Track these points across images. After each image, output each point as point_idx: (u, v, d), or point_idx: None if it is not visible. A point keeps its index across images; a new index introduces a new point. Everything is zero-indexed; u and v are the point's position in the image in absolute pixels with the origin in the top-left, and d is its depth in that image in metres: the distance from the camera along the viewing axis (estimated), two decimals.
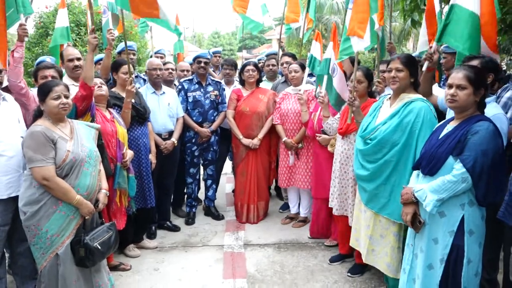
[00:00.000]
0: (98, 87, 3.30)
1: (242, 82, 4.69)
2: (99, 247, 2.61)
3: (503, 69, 3.44)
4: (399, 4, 5.67)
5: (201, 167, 4.94)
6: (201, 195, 5.17)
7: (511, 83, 2.90)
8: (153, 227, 4.36)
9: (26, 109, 2.97)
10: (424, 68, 2.98)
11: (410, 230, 2.61)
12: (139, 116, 3.79)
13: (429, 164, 2.40)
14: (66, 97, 2.66)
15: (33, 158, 2.46)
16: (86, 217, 2.65)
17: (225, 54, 35.85)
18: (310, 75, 4.67)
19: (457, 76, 2.33)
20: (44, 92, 2.60)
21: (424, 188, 2.36)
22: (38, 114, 2.67)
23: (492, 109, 2.58)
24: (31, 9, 3.37)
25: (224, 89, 4.80)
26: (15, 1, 3.10)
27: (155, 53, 5.58)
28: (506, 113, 2.80)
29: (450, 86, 2.36)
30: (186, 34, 38.91)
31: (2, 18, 2.99)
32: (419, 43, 3.87)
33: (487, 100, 2.48)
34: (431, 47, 3.04)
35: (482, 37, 2.91)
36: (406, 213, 2.51)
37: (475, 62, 2.68)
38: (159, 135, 4.22)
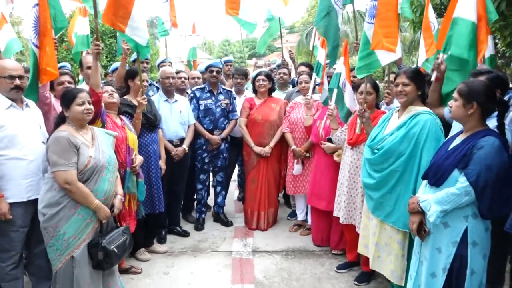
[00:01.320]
0: (110, 94, 3.41)
1: (255, 91, 4.78)
2: (116, 250, 2.71)
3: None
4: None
5: (211, 174, 5.03)
6: (210, 201, 5.26)
7: None
8: (163, 232, 4.45)
9: (47, 117, 3.08)
10: (433, 78, 3.06)
11: (417, 238, 2.67)
12: (149, 123, 3.90)
13: (436, 176, 2.47)
14: (90, 103, 2.80)
15: (57, 162, 2.58)
16: (103, 221, 2.75)
17: (235, 61, 35.85)
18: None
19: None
20: (69, 98, 2.72)
21: (429, 199, 2.43)
22: (61, 121, 2.79)
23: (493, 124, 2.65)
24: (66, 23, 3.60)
25: (234, 98, 4.91)
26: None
27: (162, 62, 5.67)
28: None
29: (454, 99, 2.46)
30: (198, 41, 39.24)
31: (49, 27, 3.09)
32: (420, 56, 3.96)
33: (493, 115, 2.56)
34: (438, 58, 3.11)
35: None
36: (412, 222, 2.57)
37: (482, 78, 2.74)
38: (171, 142, 4.34)
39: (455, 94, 2.44)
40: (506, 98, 3.00)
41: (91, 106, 2.81)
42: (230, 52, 36.62)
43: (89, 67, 3.74)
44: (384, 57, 3.18)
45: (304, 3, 37.90)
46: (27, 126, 2.84)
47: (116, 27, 3.47)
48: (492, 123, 2.64)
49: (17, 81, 2.79)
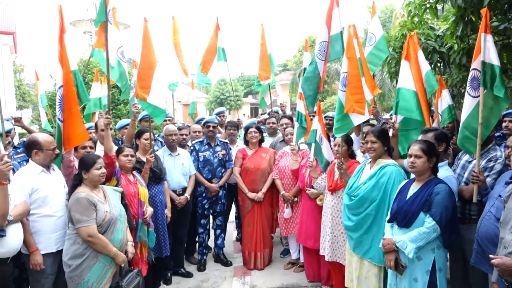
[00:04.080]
0: (129, 160, 3.92)
1: (247, 142, 5.33)
2: None
3: None
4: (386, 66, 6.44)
5: (211, 217, 5.50)
6: (211, 242, 5.69)
7: None
8: (169, 274, 4.86)
9: (70, 178, 3.57)
10: (390, 134, 3.69)
11: (390, 272, 3.18)
12: (156, 177, 4.43)
13: (405, 219, 3.04)
14: (104, 167, 3.33)
15: (80, 219, 3.06)
16: (122, 265, 3.22)
17: (231, 100, 36.96)
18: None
19: (414, 148, 3.01)
20: (89, 163, 3.25)
21: (404, 239, 2.97)
22: (78, 183, 3.28)
23: (444, 171, 3.25)
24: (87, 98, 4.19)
25: (230, 149, 5.45)
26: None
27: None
28: (464, 173, 3.42)
29: (410, 156, 3.03)
30: (194, 80, 40.19)
31: (74, 105, 3.60)
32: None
33: (440, 164, 3.19)
34: (391, 119, 3.92)
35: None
36: (389, 259, 3.09)
37: (430, 134, 3.39)
38: (174, 191, 4.84)
39: (418, 152, 3.01)
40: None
41: (105, 170, 3.33)
42: (226, 91, 37.52)
43: (103, 129, 4.30)
44: (356, 119, 3.77)
45: (296, 43, 39.43)
46: (55, 187, 3.36)
47: (140, 96, 4.08)
48: (443, 170, 3.24)
49: (57, 151, 3.37)
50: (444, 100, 4.17)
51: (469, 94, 3.25)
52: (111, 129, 3.91)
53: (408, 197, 3.07)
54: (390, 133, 3.69)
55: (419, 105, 3.80)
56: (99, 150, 4.18)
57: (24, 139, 5.37)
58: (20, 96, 24.13)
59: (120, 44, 4.81)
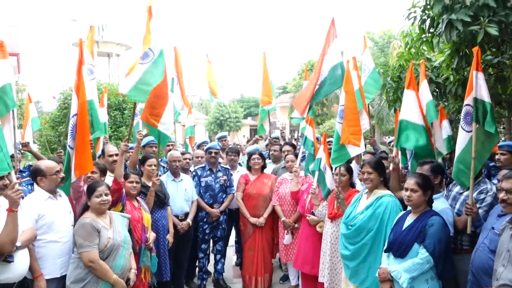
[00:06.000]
0: (134, 187, 4.04)
1: (249, 168, 5.44)
2: None
3: None
4: (383, 94, 6.62)
5: (211, 242, 5.55)
6: (210, 267, 5.70)
7: None
8: None
9: (79, 202, 3.68)
10: (390, 168, 3.78)
11: None
12: (160, 201, 4.53)
13: (400, 249, 3.14)
14: (106, 195, 3.40)
15: (83, 244, 3.15)
16: None
17: (230, 121, 37.18)
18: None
19: (410, 182, 3.11)
20: (90, 191, 3.36)
21: (398, 269, 3.06)
22: (86, 208, 3.39)
23: (440, 204, 3.35)
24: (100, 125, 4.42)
25: (232, 174, 5.55)
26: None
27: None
28: (455, 204, 3.52)
29: (406, 189, 3.13)
30: (193, 101, 40.61)
31: (87, 133, 3.76)
32: None
33: (436, 196, 3.29)
34: (392, 151, 3.88)
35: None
36: None
37: (426, 166, 3.50)
38: (176, 216, 4.93)
39: (414, 186, 3.12)
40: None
41: (108, 197, 3.40)
42: (225, 112, 37.74)
43: (110, 155, 4.45)
44: (352, 150, 3.89)
45: (296, 66, 39.93)
46: (61, 213, 3.45)
47: (150, 122, 4.26)
48: (439, 202, 3.35)
49: (62, 174, 3.46)
50: (444, 130, 4.28)
51: (463, 129, 3.35)
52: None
53: (404, 227, 3.18)
54: (391, 167, 3.80)
55: (429, 141, 3.91)
56: (108, 176, 4.29)
57: (30, 163, 5.47)
58: (21, 115, 24.34)
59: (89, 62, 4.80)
